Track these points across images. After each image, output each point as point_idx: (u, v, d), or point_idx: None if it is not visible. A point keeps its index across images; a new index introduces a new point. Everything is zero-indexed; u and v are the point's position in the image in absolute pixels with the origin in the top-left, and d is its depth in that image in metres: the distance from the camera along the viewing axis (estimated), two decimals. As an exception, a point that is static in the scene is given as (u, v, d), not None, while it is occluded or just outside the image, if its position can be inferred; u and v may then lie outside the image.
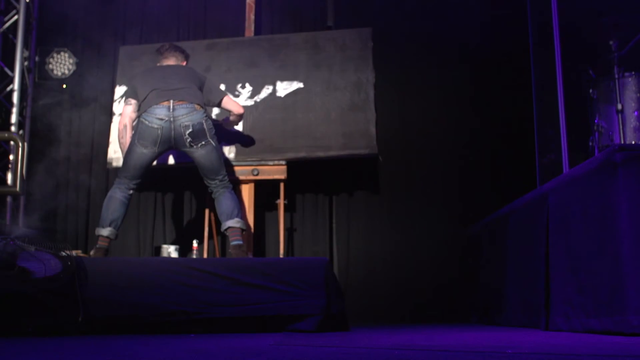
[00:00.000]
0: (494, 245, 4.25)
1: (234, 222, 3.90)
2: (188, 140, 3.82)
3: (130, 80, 4.17)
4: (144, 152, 3.86)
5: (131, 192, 3.96)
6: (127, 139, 3.98)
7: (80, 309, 3.01)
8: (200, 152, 3.87)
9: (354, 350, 2.00)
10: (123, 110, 4.07)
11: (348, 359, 1.68)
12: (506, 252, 3.93)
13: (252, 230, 4.53)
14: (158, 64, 4.22)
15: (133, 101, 4.00)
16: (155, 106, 3.84)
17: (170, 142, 3.85)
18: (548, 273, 3.16)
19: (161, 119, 3.81)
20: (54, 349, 2.10)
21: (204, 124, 3.85)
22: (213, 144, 3.89)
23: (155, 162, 4.02)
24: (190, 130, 3.80)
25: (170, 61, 4.20)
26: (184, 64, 4.25)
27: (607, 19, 3.90)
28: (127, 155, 3.93)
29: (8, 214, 4.80)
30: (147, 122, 3.83)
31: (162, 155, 4.09)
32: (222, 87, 4.66)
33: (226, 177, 3.98)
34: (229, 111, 4.22)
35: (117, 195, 3.92)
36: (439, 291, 4.86)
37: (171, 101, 3.83)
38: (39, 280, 2.94)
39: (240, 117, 4.26)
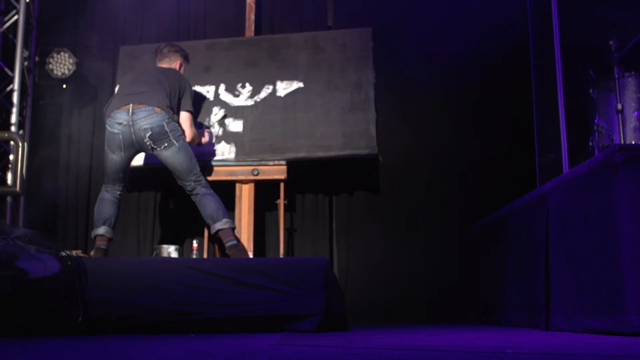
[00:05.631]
0: (494, 245, 4.24)
1: (222, 224, 3.89)
2: (149, 143, 3.80)
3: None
4: (114, 157, 3.88)
5: (119, 193, 4.00)
6: None
7: (80, 309, 3.01)
8: (166, 154, 3.85)
9: (354, 350, 2.00)
10: None
11: (348, 359, 1.68)
12: (506, 252, 3.93)
13: (252, 230, 4.53)
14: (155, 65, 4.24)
15: None
16: (116, 111, 3.84)
17: (135, 146, 3.85)
18: (548, 273, 3.16)
19: (120, 124, 3.80)
20: (54, 349, 2.09)
21: (165, 125, 3.80)
22: (177, 145, 3.84)
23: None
24: (150, 133, 3.78)
25: (163, 63, 4.21)
26: (177, 64, 4.22)
27: (607, 18, 3.89)
28: (103, 162, 3.99)
29: (8, 214, 4.80)
30: (109, 128, 3.86)
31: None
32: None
33: (201, 177, 3.95)
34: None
35: (106, 196, 3.97)
36: (439, 291, 4.86)
37: (130, 105, 3.82)
38: (39, 280, 2.94)
39: (191, 140, 4.02)
